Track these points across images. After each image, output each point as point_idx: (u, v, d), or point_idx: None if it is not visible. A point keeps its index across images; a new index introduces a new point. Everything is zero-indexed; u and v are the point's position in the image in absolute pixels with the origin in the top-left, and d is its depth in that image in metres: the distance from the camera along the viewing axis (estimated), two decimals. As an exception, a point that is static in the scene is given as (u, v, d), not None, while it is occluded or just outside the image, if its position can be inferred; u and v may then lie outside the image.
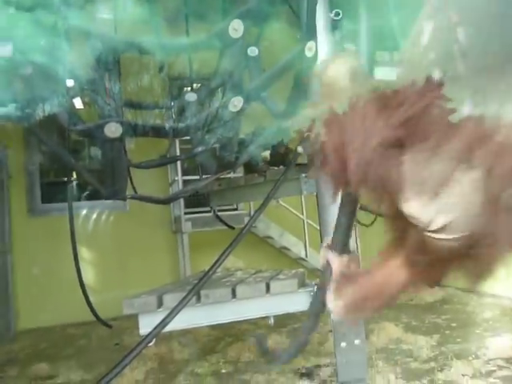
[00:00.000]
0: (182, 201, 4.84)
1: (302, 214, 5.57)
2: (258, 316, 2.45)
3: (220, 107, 2.73)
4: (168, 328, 2.10)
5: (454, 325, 4.00)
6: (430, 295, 5.19)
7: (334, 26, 2.94)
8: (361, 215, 4.82)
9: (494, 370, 2.83)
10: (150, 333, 1.81)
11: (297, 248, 5.76)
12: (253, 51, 2.83)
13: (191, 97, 2.96)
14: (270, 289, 2.44)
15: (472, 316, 4.25)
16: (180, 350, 3.81)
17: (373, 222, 5.74)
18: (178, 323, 2.17)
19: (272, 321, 2.42)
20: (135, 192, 3.67)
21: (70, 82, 2.19)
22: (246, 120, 3.14)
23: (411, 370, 2.96)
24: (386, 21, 3.15)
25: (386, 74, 3.43)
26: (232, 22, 2.02)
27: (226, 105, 2.61)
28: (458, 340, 3.53)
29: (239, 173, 4.87)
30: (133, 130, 2.02)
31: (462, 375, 2.76)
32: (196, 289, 2.01)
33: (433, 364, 3.04)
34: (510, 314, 4.16)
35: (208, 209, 4.85)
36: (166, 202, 3.72)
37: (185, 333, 4.21)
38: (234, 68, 2.68)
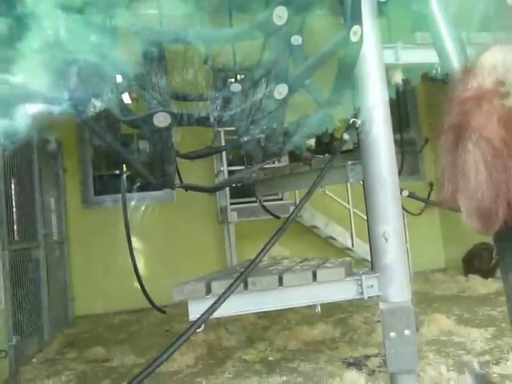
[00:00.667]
0: (227, 191, 4.90)
1: (348, 203, 5.49)
2: (304, 304, 2.45)
3: (264, 96, 2.74)
4: (216, 314, 2.15)
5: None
6: (484, 287, 5.01)
7: (380, 9, 2.86)
8: (409, 203, 4.70)
9: (554, 365, 2.69)
10: (199, 318, 1.85)
11: (343, 238, 5.70)
12: (296, 40, 2.81)
13: (236, 87, 2.98)
14: (317, 277, 2.43)
15: (530, 308, 4.04)
16: (228, 337, 3.89)
17: (422, 212, 5.59)
18: (225, 310, 2.21)
19: (319, 309, 2.41)
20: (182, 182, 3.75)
21: (118, 78, 2.27)
22: (290, 109, 3.13)
23: (463, 363, 2.87)
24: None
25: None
26: (276, 8, 2.00)
27: (271, 94, 2.61)
28: (515, 333, 3.38)
29: (284, 162, 4.87)
30: (180, 119, 2.06)
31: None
32: (243, 276, 2.03)
33: (487, 357, 2.93)
34: None
35: (253, 199, 4.88)
36: (212, 190, 3.77)
37: (232, 321, 4.30)
38: (278, 57, 2.67)
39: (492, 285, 5.02)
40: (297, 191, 5.19)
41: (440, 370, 2.70)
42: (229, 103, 3.26)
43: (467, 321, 3.82)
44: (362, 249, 5.47)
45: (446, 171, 0.76)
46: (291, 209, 4.92)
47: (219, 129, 4.62)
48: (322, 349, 3.43)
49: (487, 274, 5.35)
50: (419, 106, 6.91)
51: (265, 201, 4.94)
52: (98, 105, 2.17)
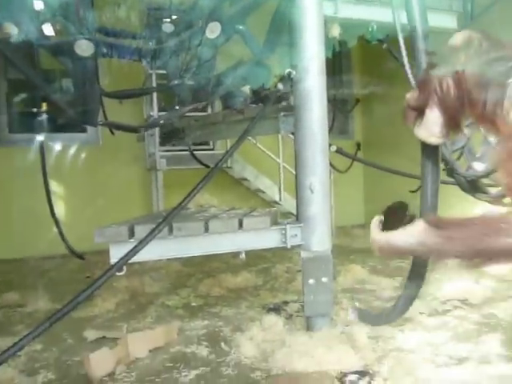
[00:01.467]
0: (156, 137, 4.74)
1: (279, 157, 5.56)
2: (229, 251, 2.48)
3: (196, 39, 2.62)
4: (138, 258, 2.11)
5: (416, 269, 4.18)
6: (397, 242, 5.39)
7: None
8: (337, 160, 4.85)
9: (450, 310, 3.00)
10: (120, 260, 1.81)
11: (271, 191, 5.81)
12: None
13: (168, 27, 2.82)
14: (243, 225, 2.46)
15: (433, 261, 4.44)
16: (151, 283, 3.88)
17: (348, 169, 5.82)
18: (148, 254, 2.18)
19: (243, 256, 2.46)
20: (108, 124, 3.56)
21: (38, 5, 2.04)
22: (225, 57, 3.03)
23: (373, 308, 3.11)
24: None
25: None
26: None
27: (204, 37, 2.50)
28: (420, 282, 3.70)
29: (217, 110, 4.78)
30: (107, 51, 1.91)
31: (420, 313, 2.91)
32: (167, 220, 2.00)
33: (393, 302, 3.19)
34: (470, 261, 4.37)
35: (184, 147, 4.77)
36: (138, 130, 3.61)
37: (157, 268, 4.29)
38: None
39: (404, 240, 5.42)
40: (229, 142, 5.15)
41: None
42: (161, 44, 3.09)
43: (379, 271, 4.12)
44: (289, 203, 5.62)
45: None
46: (222, 159, 4.89)
47: (151, 71, 4.38)
48: (244, 296, 3.54)
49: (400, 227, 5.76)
50: (353, 66, 7.03)
51: (195, 150, 4.86)
52: (14, 32, 1.95)
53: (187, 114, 3.68)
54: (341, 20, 3.29)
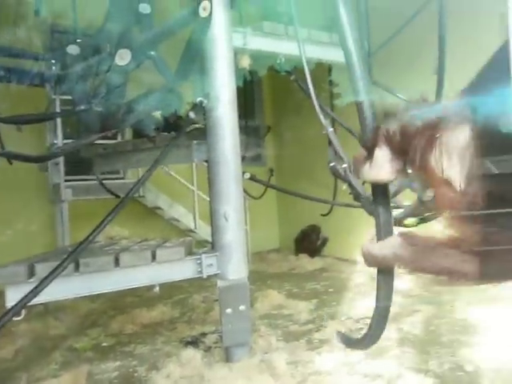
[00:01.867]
0: (61, 167, 4.45)
1: (193, 184, 5.51)
2: (142, 285, 2.36)
3: (105, 64, 2.53)
4: (40, 300, 1.93)
5: (331, 290, 4.32)
6: (311, 264, 5.55)
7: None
8: (250, 187, 4.92)
9: (363, 328, 3.11)
10: (17, 304, 1.63)
11: (186, 219, 5.71)
12: (144, 8, 2.66)
13: (73, 49, 2.70)
14: (156, 256, 2.37)
15: (346, 282, 4.63)
16: (56, 325, 3.56)
17: (262, 195, 5.92)
18: (52, 294, 2.00)
19: (157, 289, 2.35)
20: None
21: None
22: (136, 82, 2.96)
23: (291, 333, 3.13)
24: None
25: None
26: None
27: (113, 63, 2.42)
28: (334, 303, 3.83)
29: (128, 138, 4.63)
30: (3, 73, 1.76)
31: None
32: (73, 256, 1.85)
33: (310, 326, 3.25)
34: (378, 279, 4.62)
35: (92, 177, 4.53)
36: (39, 160, 3.35)
37: (63, 307, 3.95)
38: (123, 23, 2.49)
39: (318, 262, 5.60)
40: (140, 171, 4.99)
41: (270, 340, 2.89)
42: (66, 68, 2.94)
43: (295, 295, 4.19)
44: (204, 230, 5.55)
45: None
46: (134, 188, 4.71)
47: (54, 96, 4.13)
48: (159, 330, 3.38)
49: (314, 252, 5.95)
50: (264, 95, 7.26)
51: (105, 179, 4.63)
52: None
53: (95, 142, 3.51)
54: (250, 51, 3.39)
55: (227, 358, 2.59)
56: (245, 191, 5.17)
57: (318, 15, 3.83)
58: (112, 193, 4.17)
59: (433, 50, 2.44)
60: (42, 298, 1.92)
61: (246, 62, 3.27)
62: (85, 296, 3.00)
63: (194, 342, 3.03)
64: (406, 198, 2.75)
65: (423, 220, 2.63)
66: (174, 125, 3.34)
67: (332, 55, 3.79)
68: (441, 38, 2.14)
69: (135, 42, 2.27)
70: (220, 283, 2.57)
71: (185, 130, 2.62)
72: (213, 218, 2.67)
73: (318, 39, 3.71)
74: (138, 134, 3.89)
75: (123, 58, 2.13)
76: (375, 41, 3.72)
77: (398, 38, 3.78)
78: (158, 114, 2.71)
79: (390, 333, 2.99)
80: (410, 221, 2.60)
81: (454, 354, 2.59)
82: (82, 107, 2.57)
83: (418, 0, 3.42)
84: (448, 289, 4.03)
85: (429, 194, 2.29)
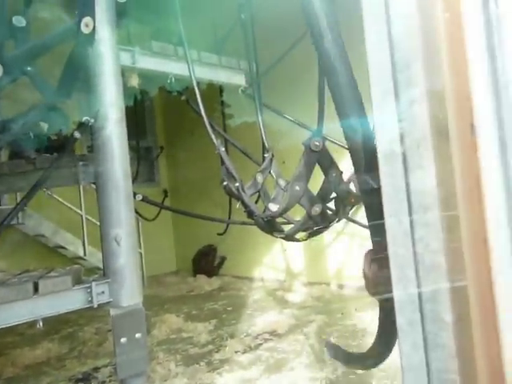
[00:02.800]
0: None
1: (81, 208, 5.17)
2: (24, 321, 2.12)
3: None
4: None
5: (229, 309, 4.33)
6: (209, 285, 5.52)
7: (121, 10, 2.80)
8: (143, 209, 4.77)
9: (261, 343, 3.17)
10: None
11: (74, 246, 5.32)
12: (19, 21, 2.47)
13: None
14: (39, 289, 2.15)
15: (244, 299, 4.68)
16: None
17: (156, 217, 5.77)
18: None
19: (41, 324, 2.14)
20: None
21: None
22: (12, 99, 2.72)
23: (190, 356, 3.06)
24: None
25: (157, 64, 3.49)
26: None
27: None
28: (233, 322, 3.84)
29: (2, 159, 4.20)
30: None
31: (235, 352, 3.00)
32: None
33: (210, 347, 3.21)
34: (274, 293, 4.76)
35: (-41, 204, 4.02)
36: None
37: None
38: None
39: (216, 282, 5.59)
40: (19, 195, 4.56)
41: (169, 366, 2.80)
42: None
43: (194, 317, 4.11)
44: (95, 257, 5.22)
45: None
46: (12, 215, 4.27)
47: None
48: (45, 370, 3.07)
49: (212, 272, 5.93)
50: (156, 115, 7.15)
51: (-24, 206, 4.14)
52: None
53: (-37, 165, 3.13)
54: (140, 70, 3.33)
55: (123, 390, 2.43)
56: (138, 213, 5.00)
57: (208, 37, 3.91)
58: (-15, 221, 3.73)
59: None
60: None
61: (135, 81, 3.20)
62: (-49, 341, 2.63)
63: (85, 379, 2.81)
64: (296, 214, 2.90)
65: (313, 234, 2.79)
66: (57, 145, 3.12)
67: (221, 77, 3.88)
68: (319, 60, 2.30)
69: (8, 57, 2.09)
70: (113, 311, 2.42)
71: (68, 150, 2.45)
72: (103, 242, 2.52)
73: (207, 60, 3.77)
74: (16, 155, 3.56)
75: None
76: (263, 62, 3.88)
77: (286, 59, 4.00)
78: (40, 132, 2.52)
79: (287, 346, 3.08)
80: (300, 235, 2.74)
81: (345, 358, 2.74)
82: None
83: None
84: (337, 298, 4.29)
85: (316, 209, 2.44)
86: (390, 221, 0.50)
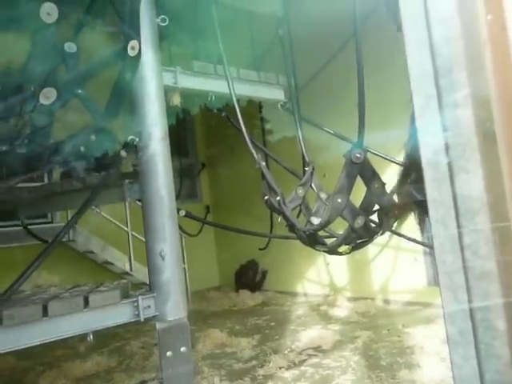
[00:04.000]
0: (-20, 213, 4.14)
1: (127, 225, 5.33)
2: (75, 334, 2.20)
3: (29, 103, 2.44)
4: (-44, 360, 1.74)
5: (272, 324, 4.30)
6: (252, 300, 5.51)
7: (162, 32, 2.92)
8: (187, 225, 4.85)
9: (306, 359, 3.12)
10: None
11: (121, 262, 5.48)
12: (71, 47, 2.61)
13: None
14: (89, 302, 2.23)
15: (287, 314, 4.64)
16: (-25, 389, 3.22)
17: (199, 233, 5.85)
18: (-30, 353, 1.81)
19: (91, 337, 2.21)
20: None
21: None
22: (63, 121, 2.87)
23: (235, 371, 3.06)
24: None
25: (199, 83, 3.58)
26: (44, 4, 1.82)
27: (37, 102, 2.34)
28: (276, 337, 3.80)
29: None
30: None
31: (279, 368, 2.96)
32: (-5, 308, 1.71)
33: (254, 362, 3.20)
34: (317, 309, 4.68)
35: (14, 222, 4.25)
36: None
37: (-17, 368, 3.59)
38: (48, 62, 2.43)
39: (258, 297, 5.57)
40: (70, 213, 4.76)
41: (214, 381, 2.80)
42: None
43: (238, 332, 4.11)
44: (141, 272, 5.34)
45: None
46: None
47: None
48: (95, 383, 3.16)
49: (254, 288, 5.92)
50: (197, 133, 7.31)
51: (30, 224, 4.36)
52: None
53: (19, 185, 3.31)
54: (181, 90, 3.43)
55: (169, 404, 2.46)
56: (181, 229, 5.09)
57: (247, 54, 3.98)
58: (39, 238, 3.92)
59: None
60: (-43, 359, 1.73)
61: (177, 100, 3.29)
62: (9, 352, 2.75)
63: (133, 392, 2.86)
64: (338, 227, 2.86)
65: (356, 247, 2.74)
66: (105, 164, 3.25)
67: (260, 92, 3.93)
68: (359, 70, 2.29)
69: (61, 81, 2.22)
70: (158, 325, 2.47)
71: (116, 169, 2.55)
72: (148, 257, 2.59)
73: (246, 77, 3.84)
74: (67, 175, 3.74)
75: (48, 96, 2.06)
76: (302, 76, 3.90)
77: (324, 72, 4.01)
78: (88, 154, 2.64)
79: (332, 361, 3.02)
80: (343, 248, 2.70)
81: (394, 376, 2.65)
82: (3, 148, 2.44)
83: (343, 35, 3.64)
84: (383, 313, 4.17)
85: (358, 222, 2.40)
86: (436, 227, 0.49)
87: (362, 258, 4.48)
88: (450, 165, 0.46)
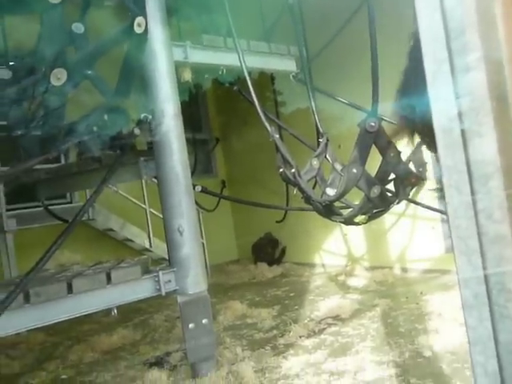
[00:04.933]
0: (1, 196, 4.24)
1: (144, 203, 5.40)
2: (99, 309, 2.28)
3: (41, 86, 2.45)
4: (-11, 336, 1.82)
5: (291, 295, 4.36)
6: (270, 272, 5.58)
7: (171, 6, 2.88)
8: (203, 200, 4.89)
9: (325, 328, 3.17)
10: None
11: (140, 239, 5.58)
12: (78, 28, 2.60)
13: (4, 74, 2.59)
14: (112, 278, 2.30)
15: (306, 285, 4.69)
16: (9, 363, 3.36)
17: (216, 208, 5.90)
18: (2, 329, 1.89)
19: (115, 312, 2.29)
20: None
21: None
22: (76, 102, 2.88)
23: (256, 341, 3.13)
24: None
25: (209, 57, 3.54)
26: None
27: (49, 84, 2.35)
28: (296, 307, 3.87)
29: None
30: None
31: (300, 337, 3.02)
32: (21, 287, 1.77)
33: (275, 332, 3.27)
34: (335, 279, 4.72)
35: (37, 203, 4.34)
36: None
37: (15, 343, 3.74)
38: (57, 44, 2.42)
39: (277, 269, 5.64)
40: (88, 193, 4.84)
41: (236, 351, 2.88)
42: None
43: (257, 303, 4.19)
44: (160, 248, 5.44)
45: None
46: (83, 212, 4.55)
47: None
48: (121, 355, 3.27)
49: (273, 261, 5.99)
50: (210, 107, 7.27)
51: (51, 204, 4.45)
52: None
53: (37, 167, 3.38)
54: (192, 65, 3.40)
55: (194, 374, 2.55)
56: (198, 204, 5.14)
57: (257, 25, 3.91)
58: (59, 218, 4.01)
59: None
60: (-10, 335, 1.81)
61: (188, 76, 3.27)
62: (38, 328, 2.87)
63: (158, 363, 2.96)
64: (354, 197, 2.85)
65: (372, 217, 2.73)
66: (119, 143, 3.28)
67: (272, 64, 3.87)
68: (372, 37, 2.24)
69: (70, 62, 2.22)
70: (180, 299, 2.53)
71: (130, 147, 2.57)
72: (167, 233, 2.64)
73: (257, 49, 3.78)
74: (83, 154, 3.78)
75: (59, 77, 2.07)
76: (313, 46, 3.83)
77: (337, 40, 3.92)
78: (103, 133, 2.65)
79: (351, 330, 3.07)
80: (360, 218, 2.70)
81: (412, 342, 2.69)
82: (19, 132, 2.47)
83: (354, 2, 3.55)
84: (401, 281, 4.19)
85: (374, 191, 2.39)
86: (450, 193, 0.49)
87: (379, 227, 4.48)
88: (462, 130, 0.45)
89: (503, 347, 0.45)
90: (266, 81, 4.86)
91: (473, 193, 0.46)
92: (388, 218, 4.40)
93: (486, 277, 0.46)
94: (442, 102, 0.46)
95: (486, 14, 0.41)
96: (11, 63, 2.80)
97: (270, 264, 5.88)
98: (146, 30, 2.23)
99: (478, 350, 0.48)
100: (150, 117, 2.61)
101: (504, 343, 0.45)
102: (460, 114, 0.46)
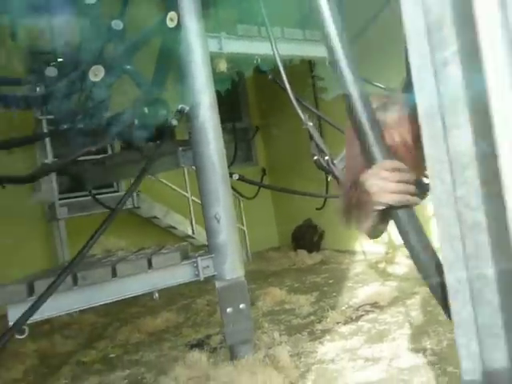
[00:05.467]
0: (54, 185, 4.50)
1: (187, 191, 5.55)
2: (141, 293, 2.41)
3: (86, 81, 2.58)
4: (41, 316, 1.98)
5: (330, 281, 4.38)
6: (310, 259, 5.60)
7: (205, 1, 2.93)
8: (243, 188, 4.97)
9: (363, 315, 3.17)
10: (17, 321, 1.68)
11: (183, 226, 5.75)
12: (117, 25, 2.71)
13: (51, 71, 2.75)
14: (153, 263, 2.42)
15: (345, 272, 4.68)
16: (63, 342, 3.61)
17: (255, 195, 5.98)
18: (52, 309, 2.05)
19: (157, 296, 2.41)
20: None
21: None
22: (118, 96, 3.01)
23: (293, 326, 3.19)
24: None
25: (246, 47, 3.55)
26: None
27: (93, 80, 2.48)
28: (334, 294, 3.88)
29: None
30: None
31: (337, 323, 3.05)
32: (69, 270, 1.91)
33: (312, 318, 3.31)
34: (375, 267, 4.68)
35: (85, 192, 4.58)
36: (28, 180, 3.39)
37: (68, 324, 4.01)
38: (98, 40, 2.54)
39: (317, 256, 5.65)
40: (132, 181, 5.04)
41: (273, 335, 2.95)
42: (48, 88, 2.99)
43: (296, 290, 4.24)
44: (202, 235, 5.59)
45: None
46: (129, 200, 4.76)
47: (40, 117, 4.19)
48: (165, 337, 3.43)
49: (312, 247, 6.00)
50: (249, 96, 7.32)
51: (99, 193, 4.68)
52: None
53: (85, 158, 3.56)
54: (228, 55, 3.45)
55: (232, 356, 2.64)
56: (238, 192, 5.23)
57: (291, 13, 3.89)
58: (106, 206, 4.22)
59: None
60: (42, 315, 1.96)
61: (223, 66, 3.32)
62: (90, 310, 3.05)
63: (199, 345, 3.09)
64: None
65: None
66: (158, 133, 3.40)
67: (307, 51, 3.84)
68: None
69: (110, 58, 2.33)
70: (218, 284, 2.62)
71: (168, 136, 2.67)
72: (205, 220, 2.73)
73: (291, 36, 3.77)
74: (127, 145, 3.95)
75: (96, 74, 2.18)
76: (350, 31, 3.76)
77: (374, 25, 3.83)
78: (142, 125, 2.77)
79: (389, 317, 3.05)
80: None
81: (451, 331, 2.64)
82: (67, 126, 2.63)
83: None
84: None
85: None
86: (433, 182, 0.50)
87: (420, 214, 4.38)
88: (443, 121, 0.47)
89: (482, 330, 0.47)
90: (305, 67, 4.83)
91: (453, 182, 0.47)
92: (430, 204, 4.30)
93: (465, 262, 0.48)
94: (425, 94, 0.48)
95: (463, 7, 0.42)
96: (58, 61, 2.97)
97: (310, 250, 5.90)
98: (179, 24, 2.30)
99: (461, 332, 0.50)
100: (187, 108, 2.69)
101: (482, 326, 0.47)
102: (441, 106, 0.47)
